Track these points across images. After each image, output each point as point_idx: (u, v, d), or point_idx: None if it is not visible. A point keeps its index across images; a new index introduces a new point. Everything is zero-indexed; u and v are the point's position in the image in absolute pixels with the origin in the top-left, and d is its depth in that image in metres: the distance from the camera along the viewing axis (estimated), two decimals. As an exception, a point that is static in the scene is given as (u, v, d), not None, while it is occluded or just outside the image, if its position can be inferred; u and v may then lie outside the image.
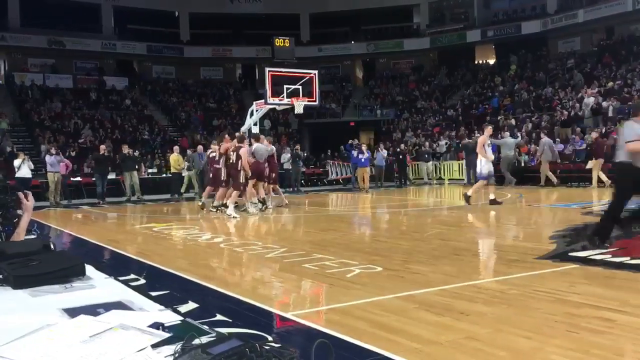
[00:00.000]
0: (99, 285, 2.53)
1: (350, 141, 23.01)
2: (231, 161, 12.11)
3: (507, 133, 20.72)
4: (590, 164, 17.75)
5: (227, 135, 13.31)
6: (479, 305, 4.21)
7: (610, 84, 24.87)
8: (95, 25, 35.20)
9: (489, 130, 12.77)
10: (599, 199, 13.53)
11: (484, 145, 12.36)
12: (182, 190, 18.96)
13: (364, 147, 21.12)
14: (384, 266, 5.76)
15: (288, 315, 4.12)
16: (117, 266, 6.62)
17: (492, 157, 12.80)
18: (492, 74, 33.44)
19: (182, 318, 2.02)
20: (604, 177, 16.72)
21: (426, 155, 23.75)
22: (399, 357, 3.09)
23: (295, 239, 8.78)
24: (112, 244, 8.28)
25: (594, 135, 19.33)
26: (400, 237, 8.98)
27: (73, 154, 22.79)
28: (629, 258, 5.87)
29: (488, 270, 5.55)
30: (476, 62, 36.47)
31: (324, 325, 3.84)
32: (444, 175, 23.72)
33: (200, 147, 19.76)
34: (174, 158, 18.76)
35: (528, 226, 9.88)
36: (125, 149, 18.55)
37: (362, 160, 20.22)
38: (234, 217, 11.62)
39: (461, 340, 3.39)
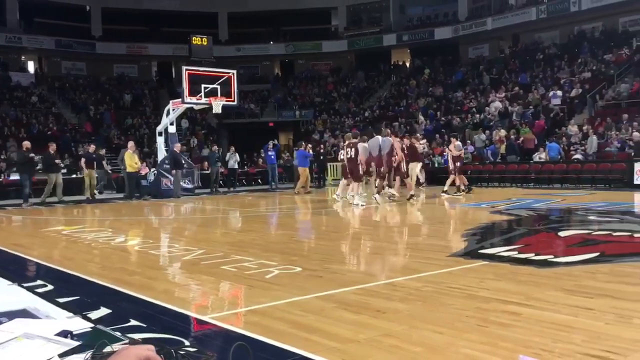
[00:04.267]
0: (0, 293, 2.39)
1: (271, 142, 23.00)
2: (349, 156, 13.61)
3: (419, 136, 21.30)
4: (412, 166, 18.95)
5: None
6: (395, 302, 4.31)
7: (516, 89, 26.26)
8: (-1, 18, 33.21)
9: None
10: (507, 198, 14.24)
11: None
12: (89, 191, 17.89)
13: (309, 147, 20.54)
14: (303, 266, 5.78)
15: (206, 318, 4.05)
16: (21, 272, 6.25)
17: None
18: (407, 77, 34.45)
19: (92, 325, 1.95)
20: (421, 178, 18.39)
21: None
22: (318, 357, 3.11)
23: (214, 240, 8.64)
24: (16, 248, 7.82)
25: (502, 133, 20.56)
26: (319, 237, 9.06)
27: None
28: (533, 254, 6.20)
29: (404, 268, 5.70)
30: (392, 65, 37.42)
31: (243, 327, 3.80)
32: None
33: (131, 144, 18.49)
34: (129, 156, 17.40)
35: (442, 225, 10.24)
36: (52, 149, 17.11)
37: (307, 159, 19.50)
38: (361, 205, 12.97)
39: (378, 337, 3.45)
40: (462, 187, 15.78)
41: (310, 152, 20.49)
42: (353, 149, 13.58)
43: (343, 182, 14.79)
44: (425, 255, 6.47)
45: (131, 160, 17.32)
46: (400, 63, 37.10)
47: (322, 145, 25.77)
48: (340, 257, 6.48)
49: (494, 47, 33.09)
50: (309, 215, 13.15)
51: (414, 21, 37.24)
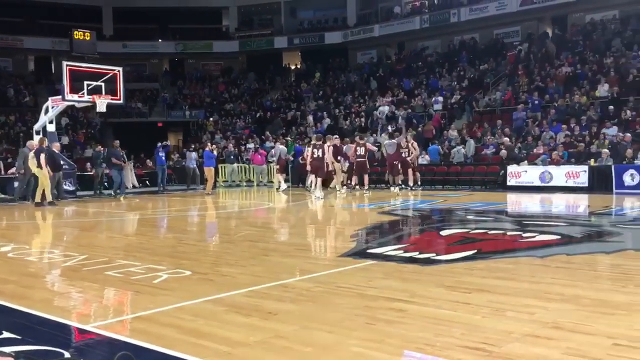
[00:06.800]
0: None
1: (163, 142, 22.24)
2: (316, 156, 15.41)
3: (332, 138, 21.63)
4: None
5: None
6: (286, 304, 4.34)
7: (401, 94, 27.35)
8: None
9: None
10: (394, 199, 14.80)
11: None
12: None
13: (213, 147, 20.80)
14: (193, 270, 5.67)
15: (88, 327, 3.86)
16: None
17: None
18: (298, 80, 34.78)
19: (-42, 340, 1.79)
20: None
21: (232, 157, 23.96)
22: (208, 362, 3.07)
23: (97, 245, 8.23)
24: None
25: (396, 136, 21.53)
26: (209, 240, 8.92)
27: None
28: (417, 253, 6.50)
29: (295, 270, 5.75)
30: (284, 67, 37.61)
31: (129, 335, 3.66)
32: (253, 177, 24.02)
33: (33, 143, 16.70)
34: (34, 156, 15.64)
35: (332, 226, 10.43)
36: None
37: (212, 159, 19.56)
38: (320, 198, 14.64)
39: (269, 339, 3.46)
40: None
41: (215, 152, 20.38)
42: (320, 150, 15.33)
43: (316, 179, 15.65)
44: (316, 255, 6.57)
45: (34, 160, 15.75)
46: (292, 66, 37.38)
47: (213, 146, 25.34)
48: (230, 259, 6.42)
49: (381, 53, 34.26)
50: (200, 218, 12.91)
51: (304, 25, 37.67)
